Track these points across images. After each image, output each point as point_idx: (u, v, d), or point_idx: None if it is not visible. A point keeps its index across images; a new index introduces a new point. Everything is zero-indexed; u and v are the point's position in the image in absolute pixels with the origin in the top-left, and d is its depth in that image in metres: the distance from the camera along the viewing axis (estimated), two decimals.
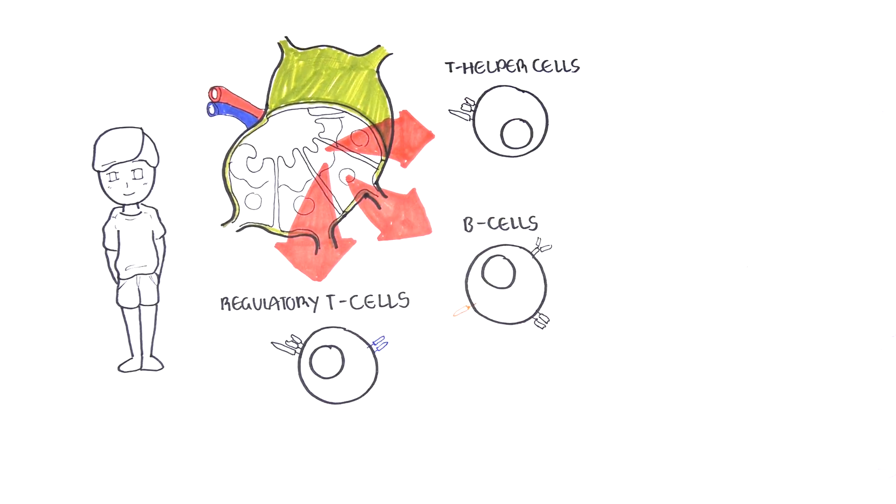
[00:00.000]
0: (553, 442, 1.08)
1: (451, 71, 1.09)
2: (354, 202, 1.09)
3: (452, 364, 1.08)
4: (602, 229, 1.08)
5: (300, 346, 1.08)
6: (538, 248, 1.09)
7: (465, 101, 1.09)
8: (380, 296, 1.08)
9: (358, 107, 1.09)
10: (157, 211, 1.08)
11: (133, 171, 1.07)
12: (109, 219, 1.07)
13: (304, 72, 1.09)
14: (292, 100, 1.09)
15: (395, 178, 1.09)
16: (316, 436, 1.08)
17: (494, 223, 1.09)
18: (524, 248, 1.09)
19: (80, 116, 1.07)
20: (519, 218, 1.09)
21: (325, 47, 1.09)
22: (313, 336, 1.08)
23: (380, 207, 1.09)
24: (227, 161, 1.08)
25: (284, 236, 1.09)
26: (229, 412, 1.07)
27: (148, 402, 1.07)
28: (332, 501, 1.07)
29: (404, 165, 1.09)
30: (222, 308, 1.07)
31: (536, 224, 1.09)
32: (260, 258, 1.08)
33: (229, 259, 1.08)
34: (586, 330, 1.08)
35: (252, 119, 1.09)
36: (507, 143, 1.09)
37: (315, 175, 1.09)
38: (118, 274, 1.07)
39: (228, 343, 1.07)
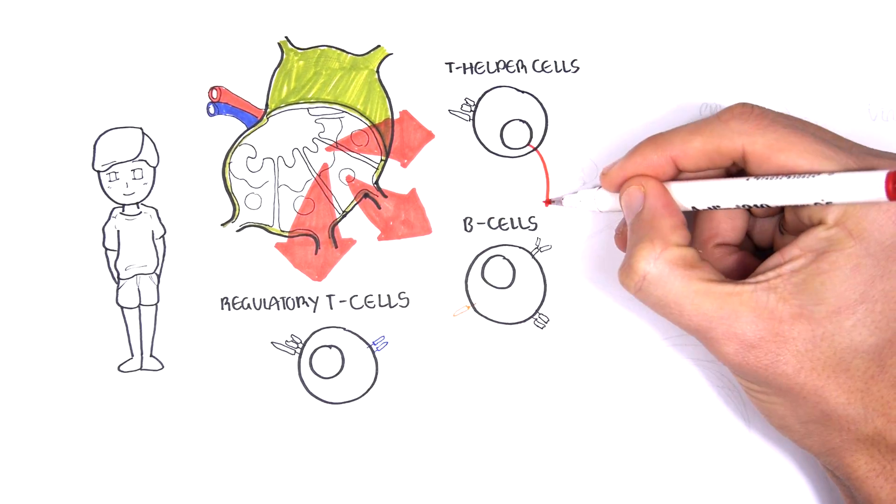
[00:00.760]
0: (553, 441, 1.08)
1: (451, 71, 1.09)
2: (354, 202, 1.10)
3: (452, 364, 1.08)
4: (602, 229, 1.08)
5: (300, 346, 1.08)
6: (538, 248, 1.09)
7: (465, 102, 1.09)
8: (380, 296, 1.08)
9: (358, 107, 1.09)
10: (157, 211, 1.08)
11: (133, 171, 1.07)
12: (109, 219, 1.07)
13: (304, 72, 1.09)
14: (292, 100, 1.09)
15: (395, 178, 1.09)
16: (316, 436, 1.08)
17: (494, 223, 1.09)
18: (524, 248, 1.09)
19: (80, 116, 1.07)
20: (519, 218, 1.09)
21: (325, 47, 1.09)
22: (313, 336, 1.08)
23: (380, 207, 1.09)
24: (227, 161, 1.08)
25: (284, 236, 1.09)
26: (229, 412, 1.07)
27: (148, 402, 1.07)
28: (332, 501, 1.07)
29: (404, 165, 1.09)
30: (222, 308, 1.07)
31: (536, 224, 1.09)
32: (260, 258, 1.08)
33: (229, 259, 1.08)
34: (586, 330, 1.08)
35: (252, 119, 1.09)
36: (506, 143, 1.09)
37: (315, 175, 1.09)
38: (118, 274, 1.07)
39: (228, 343, 1.07)
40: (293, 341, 1.08)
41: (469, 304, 1.09)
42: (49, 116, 1.07)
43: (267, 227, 1.08)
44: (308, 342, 1.08)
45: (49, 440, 1.07)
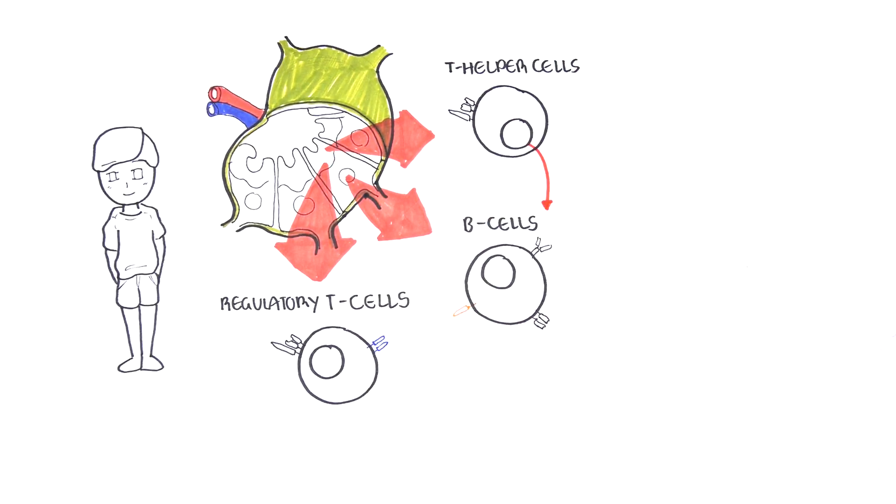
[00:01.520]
0: (553, 442, 1.08)
1: (451, 71, 1.09)
2: (354, 202, 1.09)
3: (452, 364, 1.08)
4: (602, 229, 1.08)
5: (300, 346, 1.08)
6: (538, 248, 1.09)
7: (465, 101, 1.09)
8: (380, 296, 1.08)
9: (358, 107, 1.09)
10: (157, 211, 1.08)
11: (133, 171, 1.07)
12: (109, 219, 1.07)
13: (304, 72, 1.09)
14: (292, 100, 1.09)
15: (395, 178, 1.09)
16: (316, 436, 1.07)
17: (494, 223, 1.09)
18: (524, 248, 1.09)
19: (80, 116, 1.07)
20: (519, 218, 1.09)
21: (325, 47, 1.09)
22: (313, 336, 1.08)
23: (380, 207, 1.09)
24: (227, 161, 1.08)
25: (284, 236, 1.09)
26: (229, 412, 1.07)
27: (148, 402, 1.07)
28: (332, 501, 1.07)
29: (404, 165, 1.09)
30: (222, 308, 1.07)
31: (536, 224, 1.09)
32: (260, 258, 1.08)
33: (229, 259, 1.08)
34: (586, 330, 1.08)
35: (252, 119, 1.08)
36: (506, 143, 1.09)
37: (315, 175, 1.09)
38: (118, 274, 1.07)
39: (228, 343, 1.07)
40: (293, 341, 1.08)
41: (469, 304, 1.09)
42: (49, 116, 1.07)
43: (267, 227, 1.08)
44: (308, 342, 1.08)
45: (49, 440, 1.07)
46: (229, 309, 1.07)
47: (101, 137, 1.08)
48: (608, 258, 1.08)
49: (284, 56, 1.09)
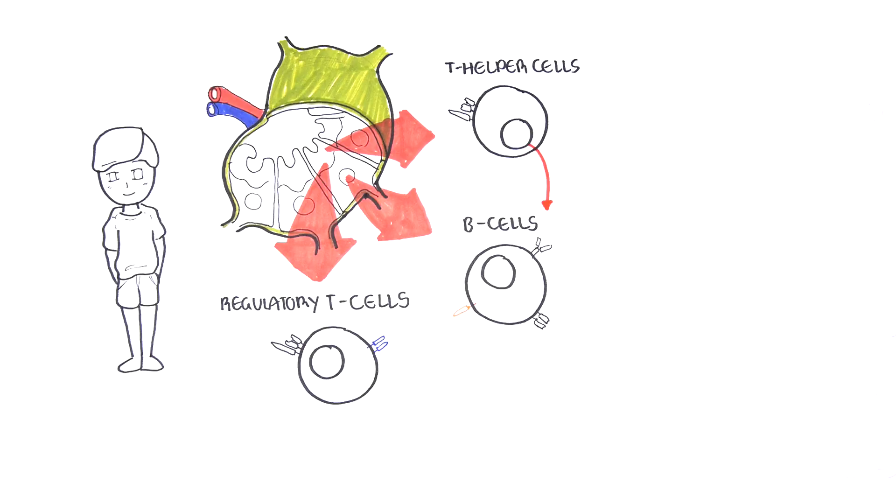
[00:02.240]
0: (553, 441, 1.08)
1: (451, 71, 1.09)
2: (354, 202, 1.09)
3: (452, 364, 1.08)
4: (602, 229, 1.08)
5: (300, 346, 1.08)
6: (538, 248, 1.09)
7: (465, 101, 1.09)
8: (380, 296, 1.08)
9: (358, 107, 1.09)
10: (157, 211, 1.08)
11: (133, 171, 1.07)
12: (109, 219, 1.07)
13: (304, 72, 1.09)
14: (292, 100, 1.09)
15: (395, 178, 1.09)
16: (316, 436, 1.07)
17: (494, 223, 1.09)
18: (524, 248, 1.09)
19: (80, 116, 1.07)
20: (519, 218, 1.09)
21: (325, 47, 1.09)
22: (313, 336, 1.08)
23: (380, 207, 1.09)
24: (227, 161, 1.08)
25: (284, 236, 1.09)
26: (229, 412, 1.07)
27: (148, 402, 1.07)
28: (332, 501, 1.07)
29: (404, 165, 1.09)
30: (222, 308, 1.07)
31: (536, 224, 1.09)
32: (260, 258, 1.08)
33: (229, 259, 1.08)
34: (586, 330, 1.08)
35: (252, 119, 1.08)
36: (507, 143, 1.09)
37: (315, 175, 1.09)
38: (118, 274, 1.07)
39: (228, 343, 1.07)
40: (293, 341, 1.08)
41: (469, 304, 1.09)
42: (49, 116, 1.07)
43: (267, 227, 1.08)
44: (308, 342, 1.08)
45: (49, 440, 1.07)
46: (229, 309, 1.07)
47: (101, 137, 1.08)
48: (608, 258, 1.08)
49: (284, 56, 1.09)
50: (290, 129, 1.09)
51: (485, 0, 1.09)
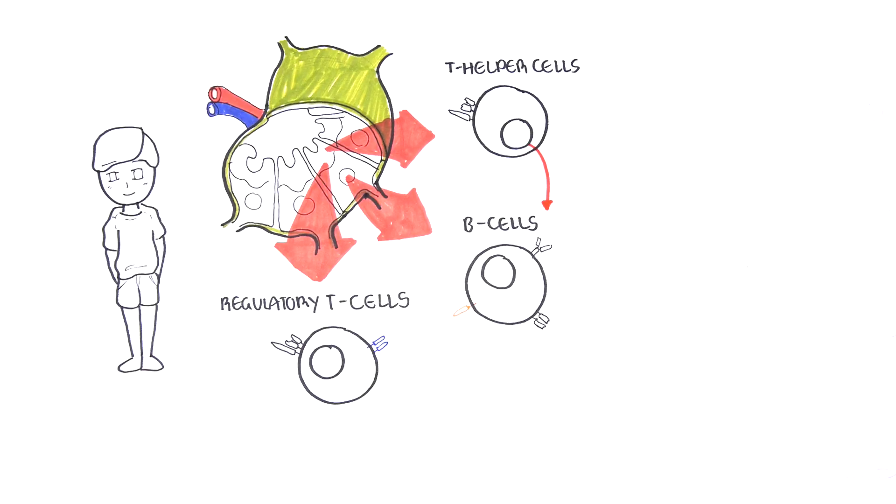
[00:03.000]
0: (553, 441, 1.08)
1: (451, 71, 1.09)
2: (354, 202, 1.09)
3: (452, 364, 1.08)
4: (602, 229, 1.08)
5: (300, 346, 1.08)
6: (538, 248, 1.09)
7: (465, 101, 1.09)
8: (380, 296, 1.08)
9: (358, 107, 1.09)
10: (157, 211, 1.08)
11: (133, 171, 1.07)
12: (109, 219, 1.07)
13: (304, 72, 1.09)
14: (292, 100, 1.09)
15: (395, 178, 1.09)
16: (316, 436, 1.08)
17: (494, 223, 1.09)
18: (524, 248, 1.09)
19: (80, 116, 1.07)
20: (519, 218, 1.09)
21: (325, 47, 1.09)
22: (313, 336, 1.08)
23: (380, 207, 1.09)
24: (227, 161, 1.08)
25: (284, 236, 1.09)
26: (229, 412, 1.07)
27: (148, 402, 1.07)
28: (332, 501, 1.07)
29: (404, 165, 1.09)
30: (222, 308, 1.07)
31: (536, 224, 1.09)
32: (260, 258, 1.08)
33: (229, 259, 1.08)
34: (586, 330, 1.08)
35: (252, 119, 1.09)
36: (507, 143, 1.09)
37: (315, 175, 1.09)
38: (118, 274, 1.07)
39: (228, 343, 1.07)
40: (293, 341, 1.08)
41: (469, 304, 1.09)
42: (49, 116, 1.07)
43: (267, 227, 1.08)
44: (308, 342, 1.08)
45: (49, 440, 1.07)
46: (229, 309, 1.07)
47: (101, 137, 1.08)
48: (608, 258, 1.08)
49: (284, 56, 1.09)
50: (290, 129, 1.09)
51: (485, 0, 1.09)
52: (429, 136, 1.09)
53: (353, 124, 1.09)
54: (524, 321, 1.09)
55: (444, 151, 1.09)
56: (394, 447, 1.08)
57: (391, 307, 1.08)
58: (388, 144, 1.09)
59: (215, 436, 1.07)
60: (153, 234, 1.08)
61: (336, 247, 1.09)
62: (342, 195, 1.09)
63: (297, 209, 1.09)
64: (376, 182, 1.09)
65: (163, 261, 1.08)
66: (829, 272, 1.08)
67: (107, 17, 1.08)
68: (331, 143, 1.09)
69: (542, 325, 1.09)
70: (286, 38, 1.09)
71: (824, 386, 1.08)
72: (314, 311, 1.08)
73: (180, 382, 1.07)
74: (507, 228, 1.09)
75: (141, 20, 1.08)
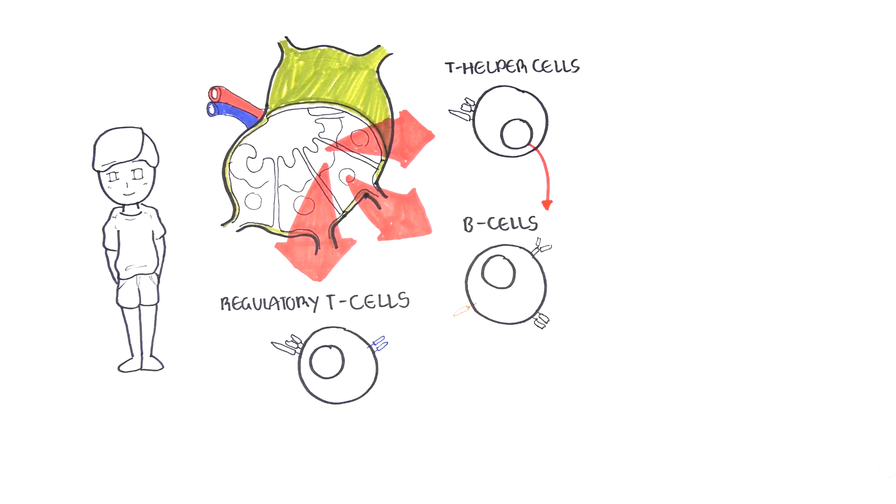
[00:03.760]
0: (553, 441, 1.08)
1: (451, 71, 1.09)
2: (354, 202, 1.09)
3: (452, 364, 1.08)
4: (602, 229, 1.08)
5: (300, 346, 1.08)
6: (538, 248, 1.09)
7: (465, 101, 1.09)
8: (380, 296, 1.08)
9: (358, 107, 1.09)
10: (157, 211, 1.08)
11: (133, 171, 1.07)
12: (109, 219, 1.07)
13: (304, 72, 1.09)
14: (292, 100, 1.09)
15: (395, 178, 1.09)
16: (316, 436, 1.08)
17: (494, 223, 1.09)
18: (524, 248, 1.09)
19: (80, 116, 1.07)
20: (519, 218, 1.09)
21: (325, 47, 1.09)
22: (313, 336, 1.08)
23: (380, 207, 1.09)
24: (227, 161, 1.08)
25: (284, 236, 1.09)
26: (229, 412, 1.07)
27: (148, 402, 1.07)
28: (332, 501, 1.07)
29: (404, 165, 1.09)
30: (222, 308, 1.07)
31: (536, 224, 1.09)
32: (260, 258, 1.08)
33: (229, 259, 1.08)
34: (586, 330, 1.08)
35: (252, 119, 1.09)
36: (507, 143, 1.09)
37: (315, 175, 1.09)
38: (118, 274, 1.07)
39: (228, 343, 1.07)
40: (293, 341, 1.08)
41: (469, 304, 1.09)
42: (49, 116, 1.07)
43: (267, 227, 1.08)
44: (308, 342, 1.08)
45: (49, 440, 1.07)
46: (229, 309, 1.07)
47: (101, 137, 1.08)
48: (608, 258, 1.08)
49: (284, 56, 1.09)
50: (290, 129, 1.09)
51: (485, 0, 1.09)
52: (429, 136, 1.09)
53: (353, 124, 1.09)
54: (524, 321, 1.09)
55: (444, 151, 1.09)
56: (394, 447, 1.08)
57: (391, 307, 1.08)
58: (388, 144, 1.09)
59: (215, 436, 1.07)
60: (153, 234, 1.08)
61: (336, 247, 1.09)
62: (342, 195, 1.09)
63: (297, 209, 1.09)
64: (376, 182, 1.09)
65: (163, 261, 1.08)
66: (829, 272, 1.08)
67: (107, 17, 1.08)
68: (331, 143, 1.09)
69: (542, 325, 1.09)
70: (286, 38, 1.09)
71: (824, 386, 1.08)
72: (314, 311, 1.08)
73: (180, 382, 1.07)
74: (507, 228, 1.09)
75: (141, 20, 1.08)
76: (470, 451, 1.08)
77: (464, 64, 1.09)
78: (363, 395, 1.08)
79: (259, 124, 1.09)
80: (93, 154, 1.07)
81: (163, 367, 1.07)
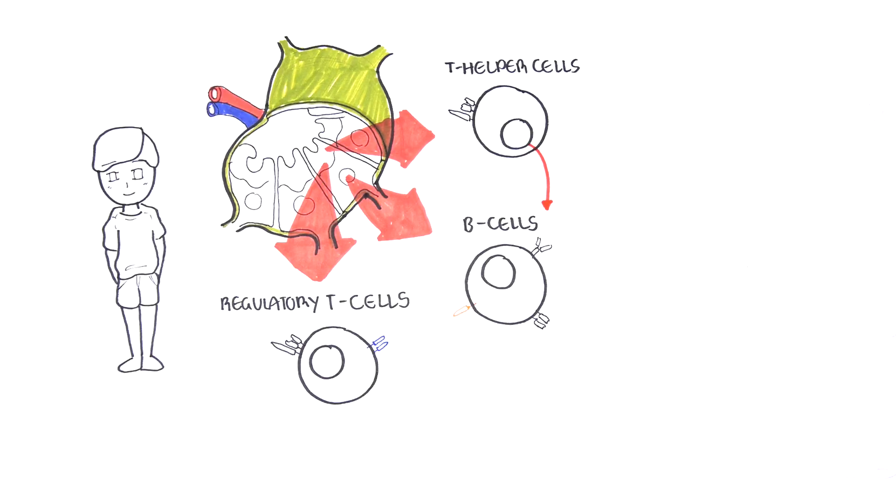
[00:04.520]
0: (553, 441, 1.08)
1: (451, 71, 1.09)
2: (354, 202, 1.09)
3: (452, 364, 1.08)
4: (602, 229, 1.08)
5: (300, 346, 1.08)
6: (538, 248, 1.09)
7: (465, 101, 1.09)
8: (380, 296, 1.08)
9: (358, 107, 1.09)
10: (157, 211, 1.08)
11: (133, 171, 1.07)
12: (109, 219, 1.07)
13: (304, 72, 1.09)
14: (292, 100, 1.09)
15: (395, 178, 1.09)
16: (316, 436, 1.08)
17: (494, 223, 1.09)
18: (524, 248, 1.09)
19: (80, 116, 1.07)
20: (519, 218, 1.09)
21: (325, 47, 1.09)
22: (313, 336, 1.08)
23: (380, 207, 1.09)
24: (227, 161, 1.08)
25: (284, 236, 1.09)
26: (229, 412, 1.07)
27: (148, 402, 1.07)
28: (332, 501, 1.07)
29: (404, 165, 1.09)
30: (222, 308, 1.07)
31: (536, 224, 1.09)
32: (260, 258, 1.08)
33: (229, 259, 1.08)
34: (586, 330, 1.08)
35: (252, 119, 1.09)
36: (507, 143, 1.09)
37: (315, 175, 1.09)
38: (118, 274, 1.07)
39: (228, 343, 1.07)
40: (293, 341, 1.08)
41: (469, 304, 1.09)
42: (49, 116, 1.07)
43: (267, 227, 1.08)
44: (308, 342, 1.08)
45: (49, 440, 1.07)
46: (229, 309, 1.07)
47: (101, 137, 1.08)
48: (608, 258, 1.08)
49: (284, 56, 1.09)
50: (290, 129, 1.09)
51: (485, 0, 1.09)
52: (429, 136, 1.09)
53: (353, 124, 1.09)
54: (524, 321, 1.09)
55: (444, 151, 1.09)
56: (394, 447, 1.08)
57: (391, 307, 1.08)
58: (388, 144, 1.09)
59: (215, 436, 1.07)
60: (153, 234, 1.08)
61: (336, 247, 1.09)
62: (342, 195, 1.09)
63: (297, 209, 1.09)
64: (376, 182, 1.09)
65: (163, 261, 1.08)
66: (829, 272, 1.08)
67: (107, 17, 1.08)
68: (331, 143, 1.09)
69: (542, 325, 1.09)
70: (286, 38, 1.09)
71: (824, 386, 1.08)
72: (314, 311, 1.08)
73: (180, 382, 1.07)
74: (507, 228, 1.09)
75: (141, 20, 1.08)
76: (470, 451, 1.08)
77: (464, 64, 1.09)
78: (363, 395, 1.08)
79: (259, 124, 1.09)
80: (93, 154, 1.07)
81: (163, 367, 1.07)
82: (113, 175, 1.07)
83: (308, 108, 1.09)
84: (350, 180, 1.09)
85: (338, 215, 1.09)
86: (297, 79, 1.09)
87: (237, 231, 1.08)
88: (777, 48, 1.09)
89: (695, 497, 1.08)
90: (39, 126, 1.07)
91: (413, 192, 1.09)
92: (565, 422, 1.08)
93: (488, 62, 1.09)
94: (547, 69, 1.09)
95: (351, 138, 1.09)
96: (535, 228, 1.09)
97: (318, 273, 1.09)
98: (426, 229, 1.09)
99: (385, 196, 1.09)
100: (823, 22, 1.09)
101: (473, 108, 1.09)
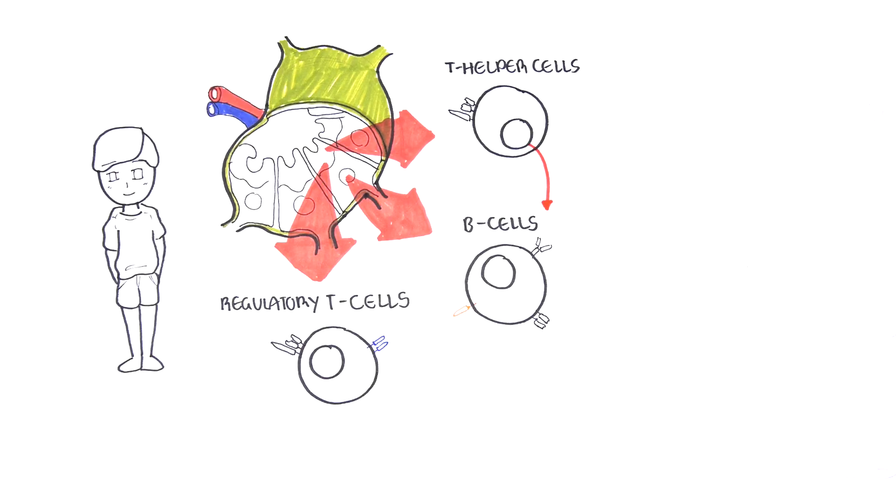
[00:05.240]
0: (553, 441, 1.08)
1: (451, 71, 1.09)
2: (354, 202, 1.09)
3: (452, 364, 1.08)
4: (602, 229, 1.08)
5: (300, 346, 1.08)
6: (538, 248, 1.09)
7: (465, 101, 1.09)
8: (380, 296, 1.08)
9: (358, 107, 1.09)
10: (157, 211, 1.08)
11: (133, 171, 1.07)
12: (109, 219, 1.07)
13: (304, 72, 1.09)
14: (292, 100, 1.09)
15: (395, 178, 1.09)
16: (316, 436, 1.08)
17: (494, 223, 1.09)
18: (524, 248, 1.09)
19: (80, 116, 1.07)
20: (519, 218, 1.09)
21: (325, 47, 1.09)
22: (313, 336, 1.08)
23: (380, 207, 1.09)
24: (227, 161, 1.08)
25: (284, 236, 1.09)
26: (229, 412, 1.07)
27: (148, 402, 1.07)
28: (332, 501, 1.07)
29: (404, 165, 1.09)
30: (222, 308, 1.07)
31: (536, 224, 1.09)
32: (260, 258, 1.08)
33: (229, 259, 1.08)
34: (586, 330, 1.08)
35: (252, 119, 1.09)
36: (507, 143, 1.09)
37: (315, 175, 1.09)
38: (118, 274, 1.07)
39: (228, 343, 1.07)
40: (293, 341, 1.08)
41: (469, 304, 1.09)
42: (49, 116, 1.07)
43: (267, 227, 1.08)
44: (308, 342, 1.08)
45: (49, 440, 1.07)
46: (229, 309, 1.07)
47: (101, 137, 1.08)
48: (608, 258, 1.08)
49: (284, 56, 1.09)
50: (290, 129, 1.09)
51: (485, 0, 1.09)
52: (429, 136, 1.09)
53: (353, 124, 1.09)
54: (524, 321, 1.09)
55: (444, 151, 1.09)
56: (394, 447, 1.08)
57: (391, 307, 1.08)
58: (388, 144, 1.09)
59: (215, 436, 1.07)
60: (153, 234, 1.08)
61: (336, 247, 1.09)
62: (342, 195, 1.09)
63: (297, 209, 1.09)
64: (376, 182, 1.09)
65: (163, 261, 1.08)
66: (829, 272, 1.08)
67: (107, 17, 1.08)
68: (331, 143, 1.09)
69: (542, 325, 1.09)
70: (286, 38, 1.09)
71: (824, 386, 1.08)
72: (314, 311, 1.08)
73: (180, 382, 1.07)
74: (507, 228, 1.09)
75: (141, 20, 1.08)
76: (470, 451, 1.08)
77: (464, 64, 1.09)
78: (363, 395, 1.08)
79: (259, 124, 1.09)
80: (93, 154, 1.07)
81: (163, 367, 1.07)
82: (113, 175, 1.07)
83: (308, 108, 1.09)
84: (350, 180, 1.09)
85: (338, 215, 1.09)
86: (297, 79, 1.09)
87: (237, 231, 1.08)
88: (777, 48, 1.09)
89: (695, 497, 1.08)
90: (39, 126, 1.07)
91: (413, 192, 1.09)
92: (565, 422, 1.08)
93: (488, 62, 1.09)
94: (547, 69, 1.09)
95: (351, 138, 1.09)
96: (535, 228, 1.09)
97: (318, 273, 1.09)
98: (426, 229, 1.09)
99: (385, 196, 1.09)
100: (823, 22, 1.09)
101: (473, 108, 1.09)
